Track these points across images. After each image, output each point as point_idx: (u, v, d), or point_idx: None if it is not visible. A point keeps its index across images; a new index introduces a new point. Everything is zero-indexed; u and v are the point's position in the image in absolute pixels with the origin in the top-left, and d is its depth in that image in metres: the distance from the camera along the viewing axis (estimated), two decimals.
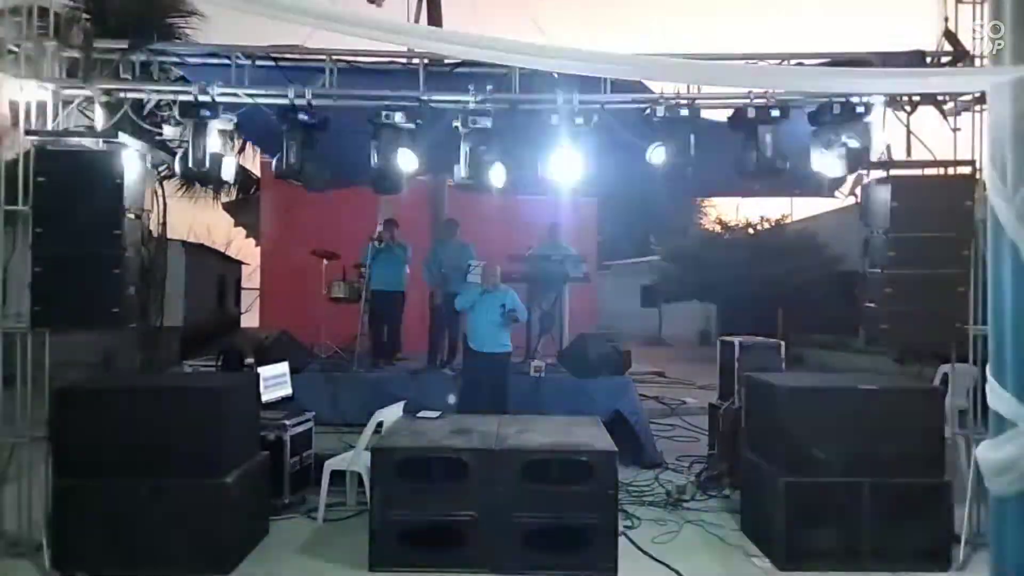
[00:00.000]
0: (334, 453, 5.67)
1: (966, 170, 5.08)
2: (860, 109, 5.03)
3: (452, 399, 5.98)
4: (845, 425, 4.62)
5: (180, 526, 4.30)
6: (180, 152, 5.22)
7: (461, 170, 5.40)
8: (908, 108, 5.23)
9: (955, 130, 5.12)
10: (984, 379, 3.80)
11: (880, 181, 5.29)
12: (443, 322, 8.10)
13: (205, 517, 4.31)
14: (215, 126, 5.18)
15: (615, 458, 4.51)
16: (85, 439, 4.37)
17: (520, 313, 6.69)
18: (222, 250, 20.58)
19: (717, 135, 5.43)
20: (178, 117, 5.13)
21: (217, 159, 5.18)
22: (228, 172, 5.35)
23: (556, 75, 5.26)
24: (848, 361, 13.63)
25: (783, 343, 6.68)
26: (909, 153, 5.28)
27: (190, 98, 5.12)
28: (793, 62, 5.16)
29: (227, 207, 16.88)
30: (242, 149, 13.93)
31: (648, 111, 5.30)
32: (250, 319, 19.25)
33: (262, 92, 5.26)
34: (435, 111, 5.40)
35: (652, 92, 5.36)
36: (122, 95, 5.25)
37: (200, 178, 5.44)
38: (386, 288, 8.19)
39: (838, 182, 5.74)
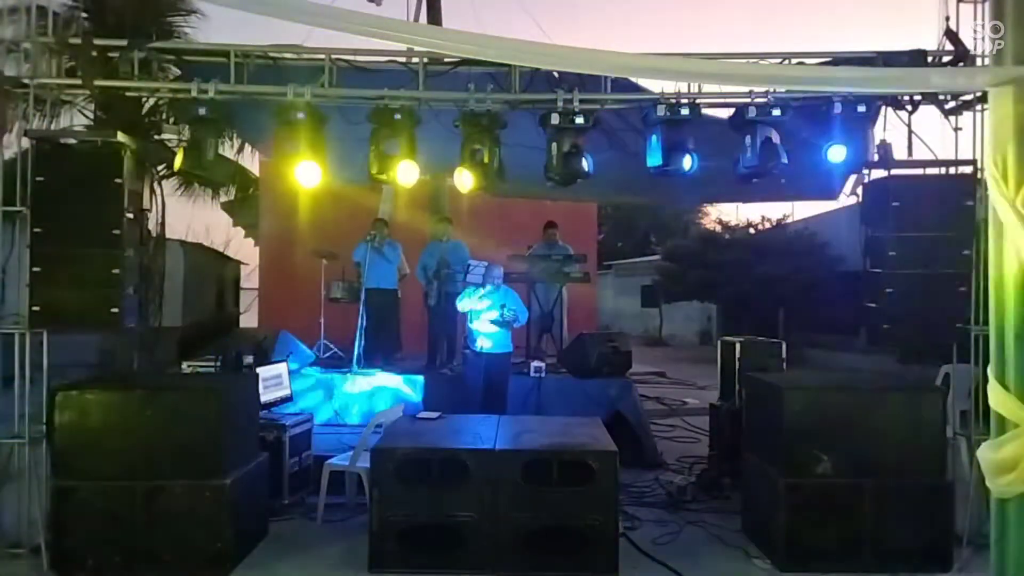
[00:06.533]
0: (333, 454, 5.65)
1: (967, 169, 5.08)
2: (861, 108, 5.02)
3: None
4: (846, 425, 4.60)
5: (179, 527, 4.29)
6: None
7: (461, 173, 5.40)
8: (909, 107, 5.22)
9: (956, 129, 5.11)
10: (985, 379, 3.79)
11: (881, 181, 5.28)
12: (440, 322, 8.08)
13: (203, 518, 4.30)
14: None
15: (615, 459, 4.49)
16: (83, 440, 4.36)
17: (520, 315, 6.67)
18: (221, 250, 20.56)
19: (718, 138, 5.42)
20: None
21: None
22: None
23: (557, 74, 5.26)
24: (849, 361, 13.61)
25: (784, 343, 6.67)
26: (910, 152, 5.27)
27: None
28: (794, 61, 5.15)
29: (226, 207, 16.85)
30: (241, 148, 13.90)
31: (648, 110, 5.29)
32: (249, 319, 19.23)
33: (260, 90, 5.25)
34: (433, 111, 5.40)
35: (651, 92, 5.34)
36: (120, 94, 5.24)
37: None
38: (378, 286, 8.19)
39: (839, 183, 5.73)
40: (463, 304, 6.72)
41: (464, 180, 5.39)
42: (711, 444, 6.93)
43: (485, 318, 6.55)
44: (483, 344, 6.58)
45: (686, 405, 10.14)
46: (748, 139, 5.19)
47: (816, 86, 4.75)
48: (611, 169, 6.01)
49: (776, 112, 5.06)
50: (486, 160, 5.28)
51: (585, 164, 5.23)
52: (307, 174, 5.23)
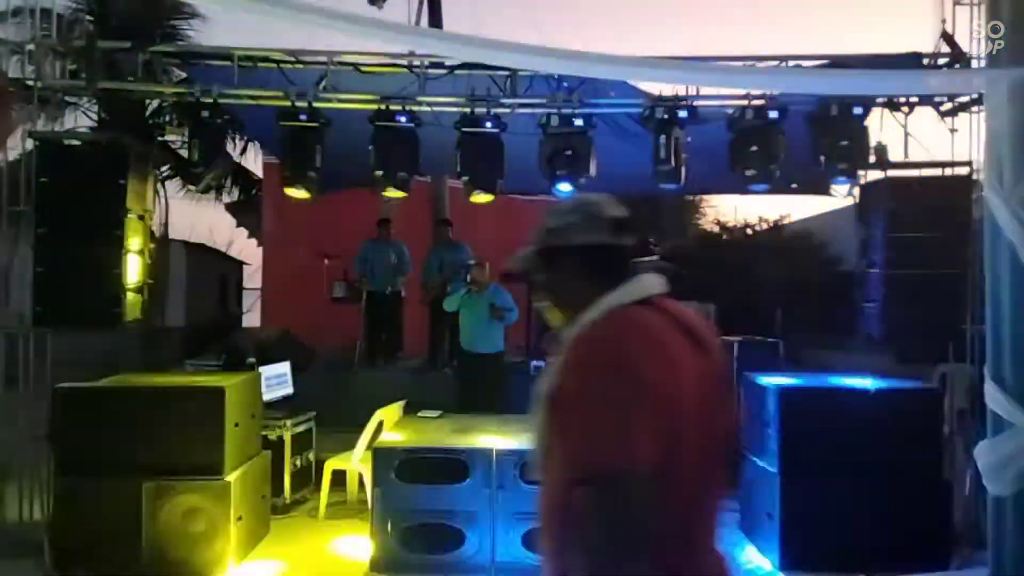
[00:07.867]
0: (335, 453, 5.68)
1: (963, 170, 5.11)
2: (858, 110, 5.05)
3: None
4: (843, 425, 4.62)
5: (181, 526, 4.30)
6: None
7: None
8: (906, 109, 5.25)
9: (952, 131, 5.14)
10: (982, 379, 3.82)
11: (878, 182, 5.32)
12: (441, 323, 8.10)
13: (206, 517, 4.32)
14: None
15: None
16: (86, 439, 4.36)
17: (510, 313, 6.60)
18: (224, 250, 20.56)
19: (715, 135, 5.44)
20: None
21: None
22: None
23: (557, 76, 5.29)
24: (847, 361, 13.61)
25: (782, 343, 6.69)
26: (907, 154, 5.30)
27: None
28: (791, 64, 5.18)
29: (229, 208, 16.86)
30: (244, 150, 13.92)
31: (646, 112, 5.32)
32: (251, 319, 19.23)
33: (264, 93, 5.28)
34: (435, 113, 5.44)
35: (650, 94, 5.38)
36: (124, 96, 5.28)
37: None
38: (381, 288, 8.21)
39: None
40: (448, 303, 6.72)
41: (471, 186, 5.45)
42: None
43: (473, 317, 6.55)
44: (473, 343, 6.58)
45: None
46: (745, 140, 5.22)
47: (813, 89, 4.78)
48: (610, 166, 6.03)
49: (773, 114, 5.08)
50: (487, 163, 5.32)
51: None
52: (297, 191, 5.31)
